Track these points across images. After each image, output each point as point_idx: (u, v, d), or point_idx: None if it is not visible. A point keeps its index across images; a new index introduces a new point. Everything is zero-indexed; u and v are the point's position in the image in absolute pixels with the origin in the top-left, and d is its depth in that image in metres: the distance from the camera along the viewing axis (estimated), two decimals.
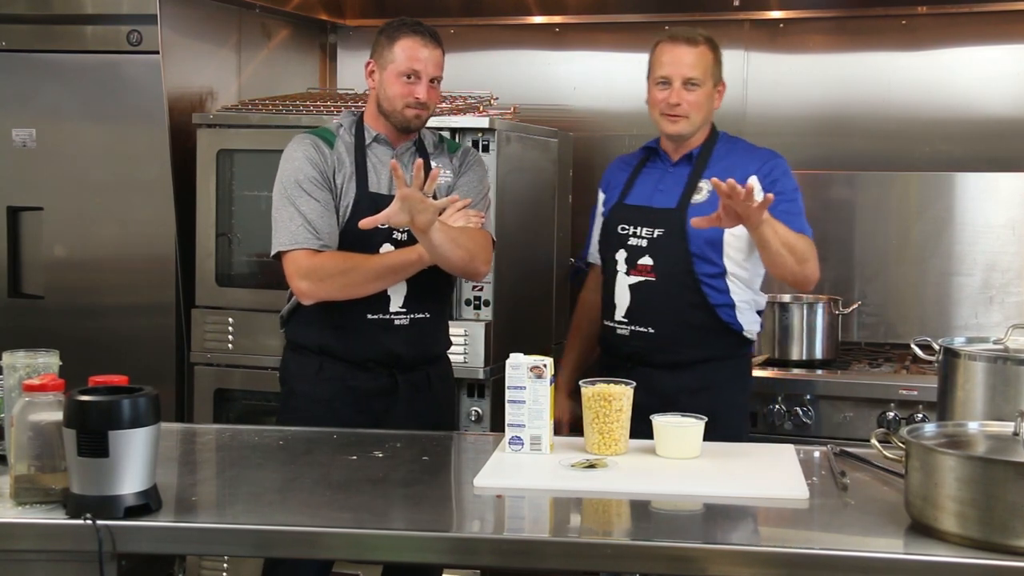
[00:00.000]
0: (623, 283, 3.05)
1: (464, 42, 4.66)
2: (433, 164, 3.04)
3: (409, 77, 2.96)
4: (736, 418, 3.05)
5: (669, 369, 2.98)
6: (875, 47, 4.29)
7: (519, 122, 3.95)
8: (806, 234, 2.96)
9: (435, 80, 3.00)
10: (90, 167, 3.98)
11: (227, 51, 4.25)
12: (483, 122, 3.63)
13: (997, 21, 4.17)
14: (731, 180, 2.69)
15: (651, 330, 3.01)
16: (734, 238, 2.96)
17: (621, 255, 3.06)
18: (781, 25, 4.38)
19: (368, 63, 3.03)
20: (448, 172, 3.09)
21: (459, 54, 4.66)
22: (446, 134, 3.35)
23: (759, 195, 2.75)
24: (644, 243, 3.02)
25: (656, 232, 3.00)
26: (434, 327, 3.10)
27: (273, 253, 2.97)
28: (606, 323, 3.11)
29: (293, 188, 2.94)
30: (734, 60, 4.38)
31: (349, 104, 3.86)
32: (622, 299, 3.05)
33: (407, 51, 2.97)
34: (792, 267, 2.89)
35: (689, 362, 3.00)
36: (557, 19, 4.60)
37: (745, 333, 3.06)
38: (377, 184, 3.00)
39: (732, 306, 3.02)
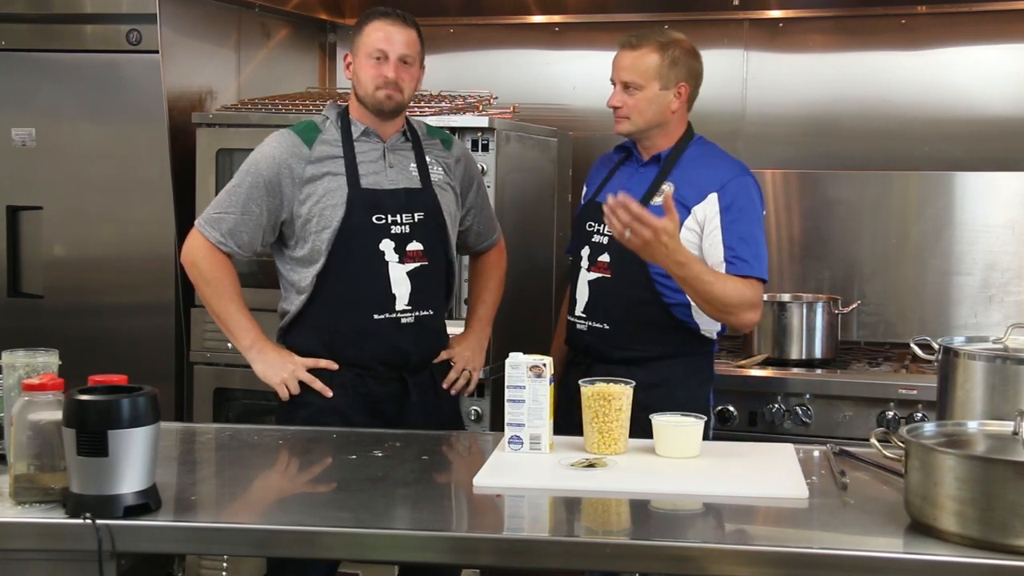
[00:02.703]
0: (583, 279, 3.09)
1: (463, 42, 4.66)
2: (427, 158, 3.08)
3: (378, 59, 2.95)
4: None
5: (625, 365, 2.96)
6: (874, 47, 4.29)
7: (518, 121, 3.95)
8: (752, 275, 2.92)
9: (407, 60, 2.97)
10: (90, 167, 3.98)
11: (226, 50, 4.25)
12: (482, 121, 3.63)
13: (997, 21, 4.17)
14: (622, 194, 2.71)
15: (606, 326, 3.05)
16: (688, 243, 2.89)
17: (585, 251, 3.10)
18: (780, 24, 4.38)
19: (347, 55, 3.04)
20: (440, 169, 3.10)
21: (458, 54, 4.67)
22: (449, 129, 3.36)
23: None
24: (605, 240, 3.05)
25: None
26: (437, 324, 3.10)
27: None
28: (569, 317, 3.16)
29: (250, 186, 2.94)
30: (733, 60, 4.39)
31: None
32: (582, 294, 3.10)
33: (374, 32, 2.97)
34: (714, 315, 2.96)
35: (644, 359, 3.01)
36: (557, 19, 4.60)
37: (703, 332, 3.06)
38: (370, 179, 2.98)
39: (688, 305, 3.00)
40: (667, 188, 3.00)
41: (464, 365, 3.16)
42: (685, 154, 3.07)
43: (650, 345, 3.03)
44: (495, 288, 3.32)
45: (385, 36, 2.96)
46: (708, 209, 2.97)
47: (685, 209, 2.96)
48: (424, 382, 3.06)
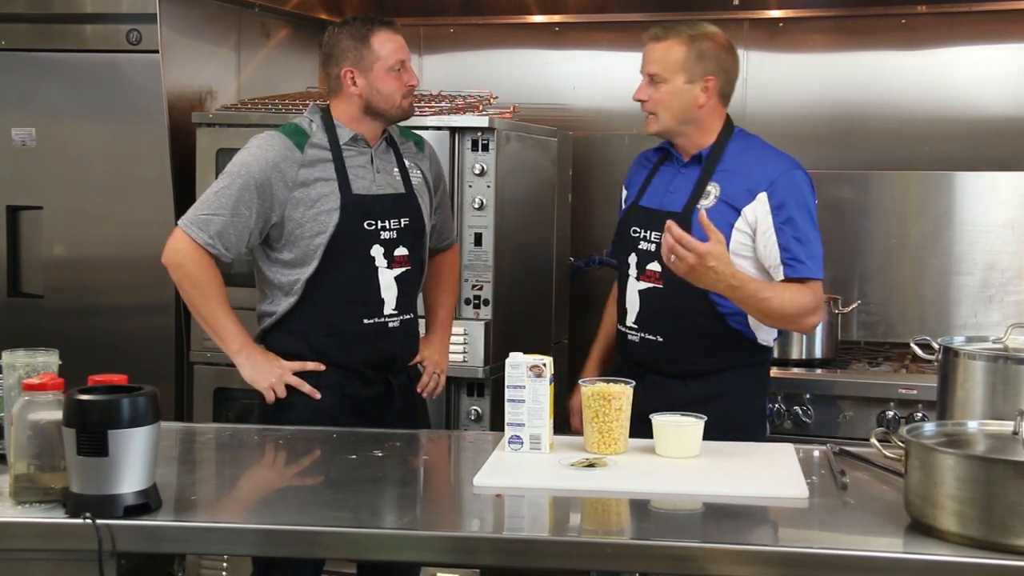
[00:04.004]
0: (633, 288, 2.96)
1: (464, 42, 4.66)
2: (406, 162, 3.09)
3: (399, 70, 2.98)
4: (751, 427, 2.93)
5: (680, 378, 2.90)
6: (875, 47, 4.29)
7: (519, 121, 3.95)
8: (809, 276, 2.82)
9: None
10: (90, 166, 3.98)
11: (226, 50, 4.25)
12: (483, 121, 3.63)
13: (997, 21, 4.17)
14: (668, 222, 2.66)
15: (660, 339, 2.91)
16: (741, 245, 2.83)
17: (632, 259, 2.96)
18: (780, 24, 4.38)
19: (345, 71, 2.97)
20: (418, 172, 3.12)
21: (459, 53, 4.67)
22: (428, 132, 3.36)
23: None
24: (652, 248, 2.91)
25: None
26: (416, 327, 3.12)
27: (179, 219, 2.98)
28: (620, 327, 3.03)
29: (240, 188, 2.91)
30: None
31: None
32: (632, 304, 2.96)
33: (389, 44, 2.98)
34: (776, 326, 2.91)
35: (701, 372, 2.90)
36: (557, 18, 4.60)
37: (760, 341, 2.93)
38: (359, 185, 2.98)
39: (744, 314, 2.86)
40: (713, 189, 2.88)
41: (434, 368, 3.18)
42: (727, 151, 2.93)
43: (707, 358, 2.90)
44: (452, 289, 3.34)
45: (399, 46, 3.00)
46: (759, 210, 2.83)
47: (734, 211, 2.84)
48: (403, 384, 3.08)
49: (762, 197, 2.84)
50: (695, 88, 2.91)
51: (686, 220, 2.84)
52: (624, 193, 3.14)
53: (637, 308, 2.96)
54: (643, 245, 2.94)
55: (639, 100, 2.95)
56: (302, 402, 2.96)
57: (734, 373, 2.93)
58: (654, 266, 2.91)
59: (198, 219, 2.95)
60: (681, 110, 2.92)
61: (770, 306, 2.77)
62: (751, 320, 2.89)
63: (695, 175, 2.92)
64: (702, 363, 2.91)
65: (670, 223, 2.66)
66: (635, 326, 2.96)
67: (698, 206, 2.84)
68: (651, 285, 2.92)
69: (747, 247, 2.84)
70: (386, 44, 2.98)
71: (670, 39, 2.92)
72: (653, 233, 2.91)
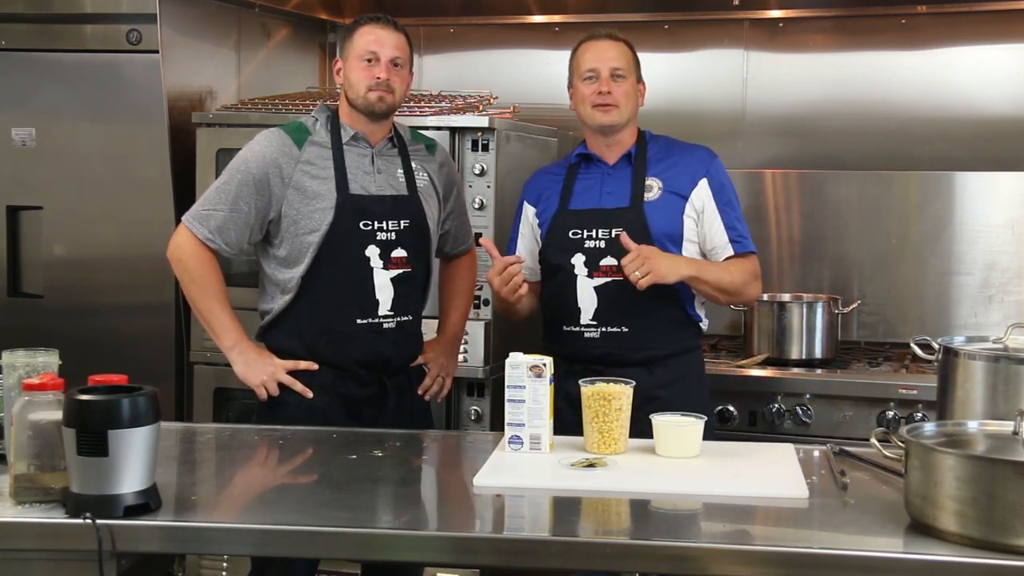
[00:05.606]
0: (586, 286, 3.04)
1: (463, 41, 4.66)
2: (413, 164, 3.09)
3: (369, 60, 2.98)
4: (708, 408, 3.00)
5: (644, 366, 3.00)
6: (875, 47, 4.29)
7: (518, 121, 3.95)
8: (747, 250, 3.06)
9: (397, 63, 3.00)
10: (90, 166, 3.98)
11: (227, 50, 4.25)
12: (482, 121, 3.63)
13: (997, 21, 4.17)
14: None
15: (624, 329, 3.02)
16: (691, 231, 3.04)
17: (579, 259, 3.05)
18: (780, 24, 4.38)
19: (338, 65, 3.07)
20: (425, 175, 3.12)
21: (459, 54, 4.67)
22: (427, 132, 3.35)
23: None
24: (603, 244, 3.02)
25: (614, 232, 3.00)
26: (416, 328, 3.12)
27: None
28: (567, 328, 3.07)
29: (239, 183, 2.95)
30: (734, 60, 4.39)
31: None
32: (587, 302, 3.04)
33: (367, 36, 3.00)
34: (727, 301, 3.16)
35: (662, 357, 3.04)
36: (557, 18, 4.60)
37: (701, 324, 3.14)
38: (358, 185, 2.99)
39: (693, 297, 3.07)
40: (654, 183, 3.05)
41: (439, 371, 3.19)
42: (651, 149, 3.11)
43: (668, 343, 3.05)
44: (467, 293, 3.34)
45: (376, 39, 2.99)
46: (703, 194, 3.05)
47: (682, 198, 3.04)
48: (401, 385, 3.08)
49: (703, 183, 3.06)
50: (637, 89, 3.11)
51: (637, 211, 3.03)
52: (531, 209, 3.21)
53: (595, 304, 3.04)
54: (591, 244, 3.05)
55: (603, 92, 3.02)
56: (295, 400, 2.97)
57: (689, 356, 3.12)
58: (608, 260, 3.02)
59: (199, 214, 2.98)
60: (634, 108, 3.10)
61: (723, 280, 3.00)
62: (697, 304, 3.10)
63: (628, 174, 3.08)
64: (665, 347, 3.05)
65: (624, 238, 2.88)
66: (593, 322, 3.05)
67: (645, 198, 3.03)
68: (609, 279, 3.02)
69: (695, 232, 3.06)
70: (365, 35, 3.00)
71: (621, 42, 3.10)
72: (600, 231, 3.04)
